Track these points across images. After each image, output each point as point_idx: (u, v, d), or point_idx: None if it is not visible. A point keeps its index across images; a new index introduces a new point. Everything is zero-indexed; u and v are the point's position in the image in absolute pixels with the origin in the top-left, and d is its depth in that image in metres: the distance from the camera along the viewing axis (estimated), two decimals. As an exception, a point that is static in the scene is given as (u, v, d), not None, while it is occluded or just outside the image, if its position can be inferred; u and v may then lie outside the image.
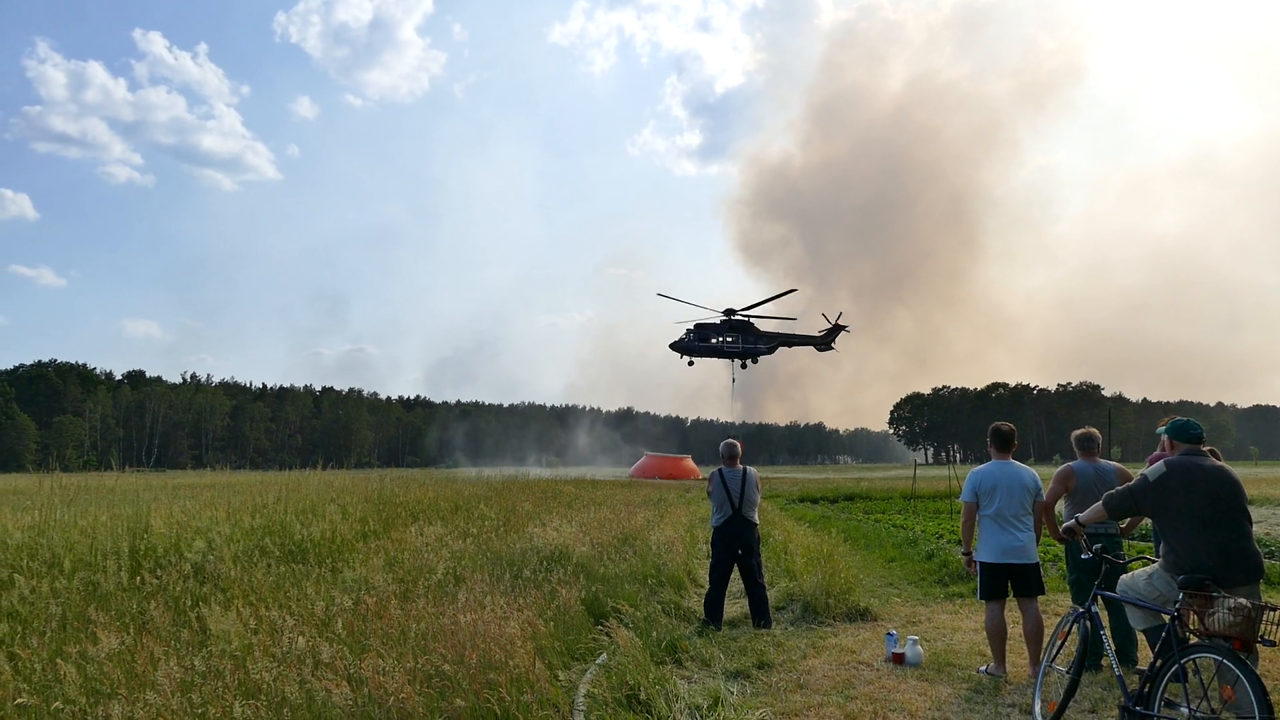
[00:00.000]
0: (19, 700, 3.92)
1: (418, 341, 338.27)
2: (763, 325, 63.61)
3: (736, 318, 62.77)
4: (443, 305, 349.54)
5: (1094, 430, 6.88)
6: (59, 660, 4.40)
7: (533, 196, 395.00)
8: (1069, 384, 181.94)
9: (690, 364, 63.00)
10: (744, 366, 64.88)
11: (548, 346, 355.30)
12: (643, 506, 20.98)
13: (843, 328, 64.78)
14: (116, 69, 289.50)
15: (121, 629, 5.32)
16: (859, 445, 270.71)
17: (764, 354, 64.25)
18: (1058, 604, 9.18)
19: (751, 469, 8.57)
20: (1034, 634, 6.49)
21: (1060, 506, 6.94)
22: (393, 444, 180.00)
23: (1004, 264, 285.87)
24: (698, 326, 62.28)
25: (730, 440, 8.69)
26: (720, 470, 8.56)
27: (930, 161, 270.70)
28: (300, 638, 5.16)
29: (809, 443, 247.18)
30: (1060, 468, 6.80)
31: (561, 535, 11.39)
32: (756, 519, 8.52)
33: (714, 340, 62.30)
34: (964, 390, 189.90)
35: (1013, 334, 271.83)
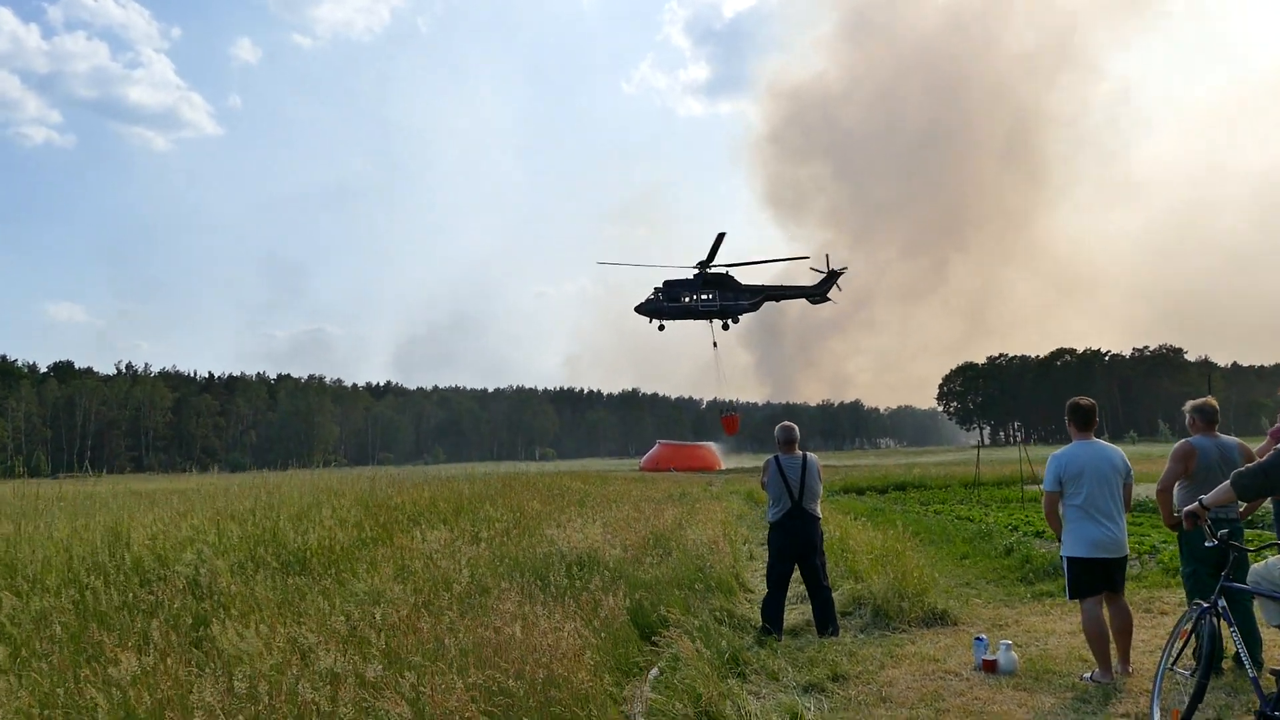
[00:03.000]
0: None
1: (386, 318, 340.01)
2: (746, 277, 63.64)
3: (713, 271, 62.58)
4: (414, 275, 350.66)
5: (1213, 400, 7.04)
6: (80, 686, 4.63)
7: (515, 146, 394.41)
8: (1146, 348, 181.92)
9: (660, 328, 63.21)
10: (725, 327, 64.97)
11: (538, 321, 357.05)
12: (667, 503, 21.27)
13: (838, 274, 64.54)
14: (26, 13, 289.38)
15: (136, 650, 5.56)
16: (903, 426, 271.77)
17: (747, 310, 64.39)
18: (1163, 600, 9.41)
19: (812, 455, 8.78)
20: (1125, 629, 6.88)
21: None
22: (360, 438, 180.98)
23: (1077, 206, 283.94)
24: (667, 284, 62.16)
25: (786, 424, 8.90)
26: (776, 458, 8.75)
27: (991, 81, 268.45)
28: (332, 655, 5.40)
29: (845, 424, 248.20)
30: (1178, 445, 6.95)
31: (587, 537, 11.66)
32: (819, 512, 8.74)
33: (686, 299, 62.18)
34: (1024, 358, 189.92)
35: (1085, 290, 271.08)
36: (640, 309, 62.00)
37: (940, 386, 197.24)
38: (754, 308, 64.97)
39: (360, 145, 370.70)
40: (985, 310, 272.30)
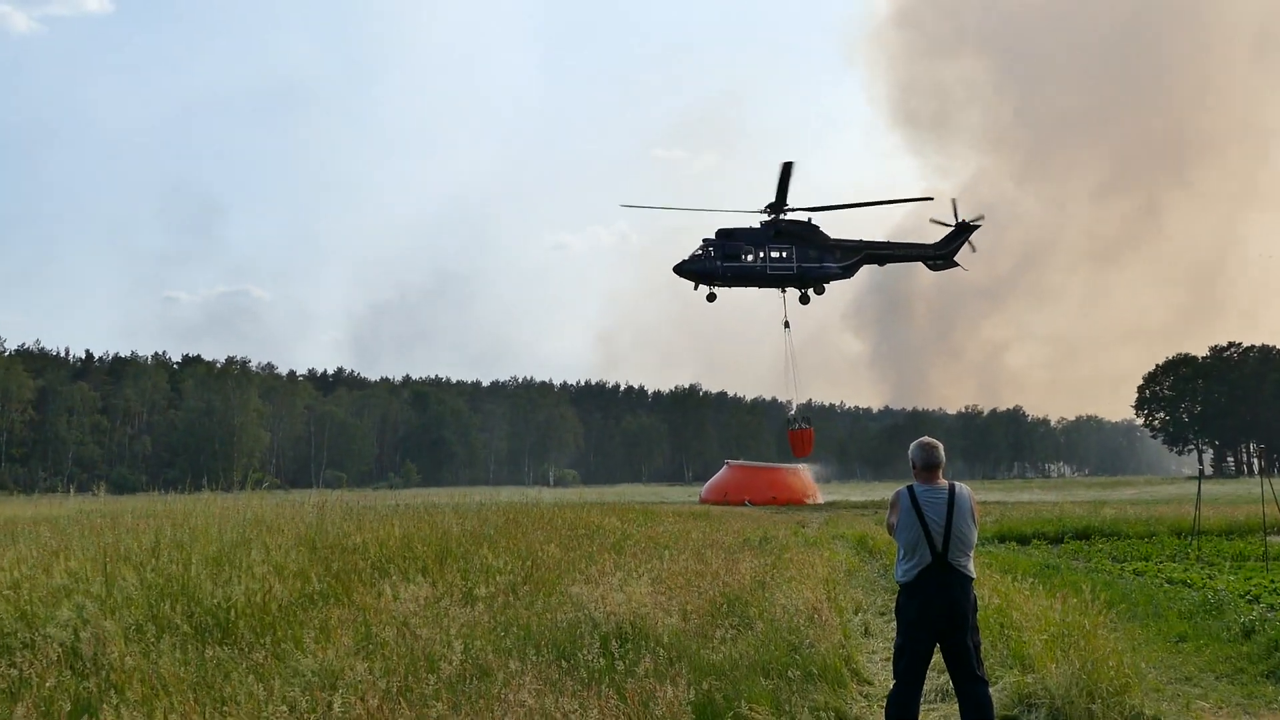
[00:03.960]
0: None
1: (339, 279, 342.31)
2: (836, 227, 63.84)
3: (790, 219, 62.53)
4: (380, 217, 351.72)
5: None
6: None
7: (527, 36, 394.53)
8: None
9: (710, 298, 63.58)
10: (805, 299, 64.98)
11: (556, 285, 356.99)
12: (743, 551, 21.27)
13: (972, 228, 64.21)
14: None
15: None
16: (1085, 445, 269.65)
17: (836, 276, 64.45)
18: None
19: (963, 487, 8.73)
20: None
21: None
22: (300, 449, 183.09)
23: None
24: (722, 235, 62.34)
25: (927, 441, 8.84)
26: (910, 489, 8.75)
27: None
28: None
29: (999, 442, 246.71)
30: None
31: (630, 599, 11.74)
32: (973, 570, 8.68)
33: (749, 256, 62.43)
34: (1267, 350, 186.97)
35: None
36: (682, 269, 62.26)
37: (1141, 390, 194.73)
38: (847, 273, 65.00)
39: (307, 30, 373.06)
40: (1214, 277, 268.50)
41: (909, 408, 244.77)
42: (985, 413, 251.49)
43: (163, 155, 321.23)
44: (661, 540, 22.97)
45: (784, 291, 65.17)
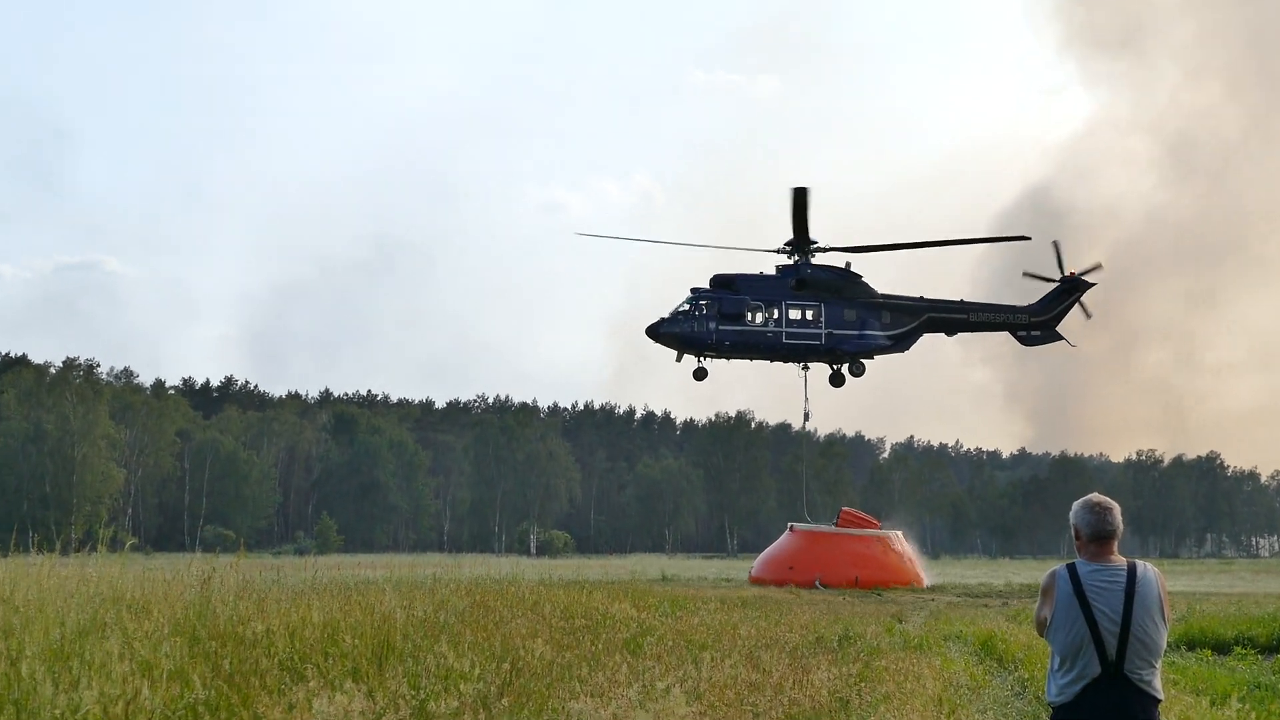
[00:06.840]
0: None
1: (231, 248, 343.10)
2: (882, 274, 64.81)
3: (818, 263, 62.82)
4: (294, 160, 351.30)
5: None
6: None
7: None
8: None
9: (699, 375, 63.41)
10: (838, 381, 65.30)
11: (547, 264, 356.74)
12: (815, 654, 21.22)
13: (1084, 285, 64.96)
14: None
15: None
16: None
17: (885, 349, 65.24)
18: None
19: (1148, 567, 8.72)
20: None
21: None
22: (170, 492, 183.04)
23: None
24: (719, 285, 62.53)
25: (1097, 501, 8.88)
26: (1072, 569, 8.76)
27: None
28: None
29: (1184, 505, 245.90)
30: None
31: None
32: (1160, 688, 8.70)
33: (755, 318, 62.82)
34: None
35: None
36: (660, 332, 62.18)
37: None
38: (898, 345, 65.74)
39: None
40: None
41: (1054, 452, 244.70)
42: (1165, 462, 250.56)
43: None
44: (697, 637, 22.94)
45: (805, 368, 65.60)
